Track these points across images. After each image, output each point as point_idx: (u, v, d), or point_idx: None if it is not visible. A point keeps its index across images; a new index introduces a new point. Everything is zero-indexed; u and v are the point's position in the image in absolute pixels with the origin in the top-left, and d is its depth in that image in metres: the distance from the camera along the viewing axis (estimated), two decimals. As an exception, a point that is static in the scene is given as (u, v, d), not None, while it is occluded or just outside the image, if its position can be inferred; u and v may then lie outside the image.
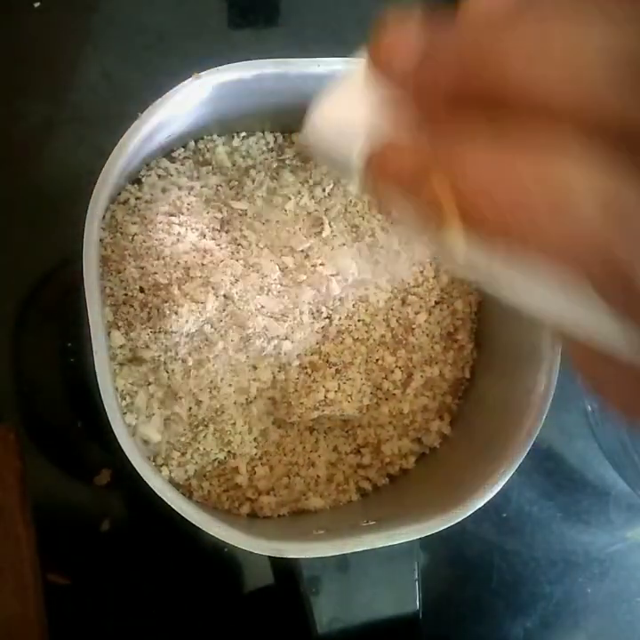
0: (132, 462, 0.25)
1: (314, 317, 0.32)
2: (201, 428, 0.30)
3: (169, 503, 0.26)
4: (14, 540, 0.31)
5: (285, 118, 0.33)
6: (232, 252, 0.31)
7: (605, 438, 0.35)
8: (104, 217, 0.31)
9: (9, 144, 0.36)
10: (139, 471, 0.25)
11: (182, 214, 0.32)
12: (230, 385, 0.31)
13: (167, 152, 0.33)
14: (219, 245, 0.31)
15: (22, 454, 0.31)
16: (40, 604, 0.31)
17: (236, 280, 0.31)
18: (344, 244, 0.32)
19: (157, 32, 0.38)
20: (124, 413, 0.29)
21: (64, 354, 0.34)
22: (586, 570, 0.38)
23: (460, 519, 0.28)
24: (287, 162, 0.34)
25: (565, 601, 0.38)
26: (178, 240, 0.31)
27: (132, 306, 0.31)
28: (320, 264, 0.32)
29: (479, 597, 0.37)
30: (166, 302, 0.30)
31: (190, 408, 0.30)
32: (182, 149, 0.33)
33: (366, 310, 0.32)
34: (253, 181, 0.33)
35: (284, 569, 0.24)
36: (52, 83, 0.37)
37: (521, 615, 0.37)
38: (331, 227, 0.32)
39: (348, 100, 0.16)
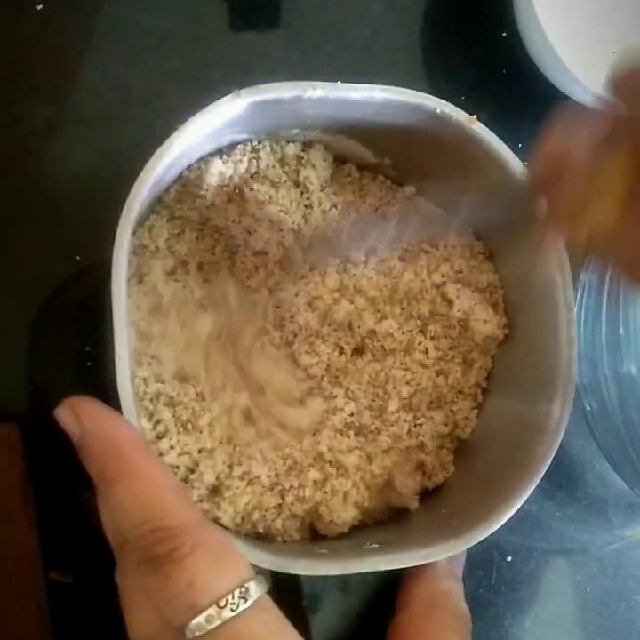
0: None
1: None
2: (216, 445, 0.31)
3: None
4: (18, 539, 0.31)
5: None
6: None
7: (604, 437, 0.35)
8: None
9: (11, 146, 0.36)
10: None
11: None
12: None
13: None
14: None
15: (25, 454, 0.32)
16: (42, 603, 0.31)
17: None
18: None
19: (159, 34, 0.39)
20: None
21: (81, 357, 0.34)
22: (584, 568, 0.38)
23: (464, 548, 0.28)
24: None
25: (564, 599, 0.38)
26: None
27: None
28: None
29: (479, 596, 0.37)
30: None
31: (210, 422, 0.30)
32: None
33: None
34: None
35: (285, 584, 0.25)
36: (54, 84, 0.37)
37: (520, 613, 0.38)
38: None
39: None
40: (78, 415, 0.25)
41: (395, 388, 0.32)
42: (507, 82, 0.40)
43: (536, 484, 0.28)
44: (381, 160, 0.34)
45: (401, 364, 0.33)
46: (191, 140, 0.28)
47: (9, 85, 0.37)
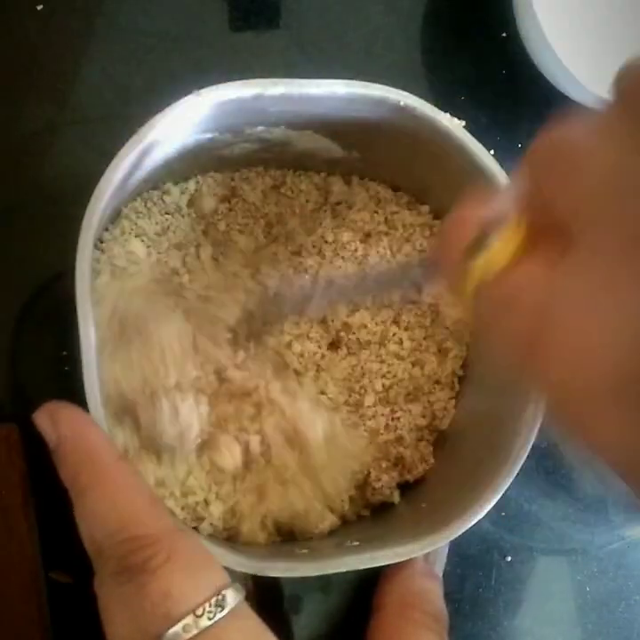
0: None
1: None
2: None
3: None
4: (18, 539, 0.31)
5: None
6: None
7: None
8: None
9: (11, 146, 0.36)
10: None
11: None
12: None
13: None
14: None
15: (25, 454, 0.32)
16: (43, 603, 0.31)
17: None
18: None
19: (159, 34, 0.39)
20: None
21: (59, 362, 0.34)
22: (584, 568, 0.38)
23: (443, 543, 0.28)
24: None
25: (564, 599, 0.38)
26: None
27: None
28: None
29: (478, 595, 0.37)
30: None
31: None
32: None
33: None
34: None
35: (266, 586, 0.25)
36: (54, 85, 0.37)
37: (520, 613, 0.38)
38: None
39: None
40: (55, 421, 0.25)
41: (371, 381, 0.32)
42: (506, 82, 0.40)
43: (513, 476, 0.28)
44: (349, 154, 0.34)
45: (376, 356, 0.33)
46: (152, 142, 0.28)
47: (9, 85, 0.37)
